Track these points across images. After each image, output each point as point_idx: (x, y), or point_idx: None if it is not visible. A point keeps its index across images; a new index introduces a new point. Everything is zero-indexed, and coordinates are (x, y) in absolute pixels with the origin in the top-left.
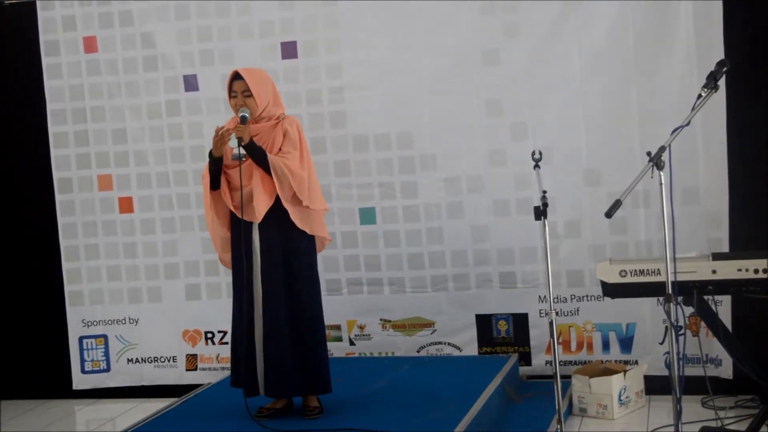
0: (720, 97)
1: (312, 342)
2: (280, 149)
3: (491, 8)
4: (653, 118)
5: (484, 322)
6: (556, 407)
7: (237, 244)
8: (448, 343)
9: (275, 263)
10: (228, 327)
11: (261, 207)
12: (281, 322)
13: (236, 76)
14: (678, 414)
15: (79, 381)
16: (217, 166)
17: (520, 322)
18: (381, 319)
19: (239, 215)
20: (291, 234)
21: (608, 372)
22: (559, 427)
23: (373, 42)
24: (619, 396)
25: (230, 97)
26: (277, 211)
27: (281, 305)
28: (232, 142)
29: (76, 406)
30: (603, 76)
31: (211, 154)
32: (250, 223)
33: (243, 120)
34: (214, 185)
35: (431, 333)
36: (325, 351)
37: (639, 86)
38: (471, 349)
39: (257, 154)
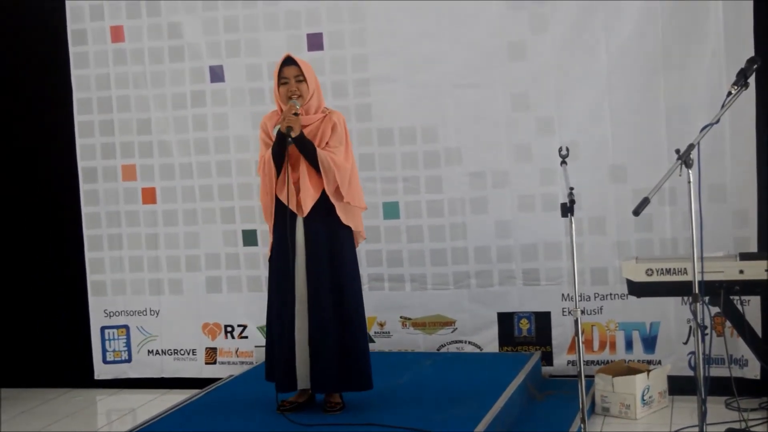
0: (749, 95)
1: (354, 338)
2: (327, 143)
3: (518, 1)
4: (681, 114)
5: (505, 321)
6: (580, 406)
7: (281, 238)
8: (469, 342)
9: (320, 258)
10: (248, 321)
11: (308, 201)
12: (326, 316)
13: (287, 62)
14: (703, 415)
15: (101, 371)
16: (283, 147)
17: (543, 320)
18: (401, 317)
19: (293, 208)
20: (335, 228)
21: (631, 371)
22: (582, 426)
23: (399, 34)
24: (642, 396)
25: (280, 84)
26: (322, 205)
27: (326, 300)
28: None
29: (97, 396)
30: (630, 71)
31: (280, 133)
32: (295, 217)
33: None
34: (279, 168)
35: (452, 332)
36: (367, 346)
37: (666, 82)
38: (492, 348)
39: (307, 148)
